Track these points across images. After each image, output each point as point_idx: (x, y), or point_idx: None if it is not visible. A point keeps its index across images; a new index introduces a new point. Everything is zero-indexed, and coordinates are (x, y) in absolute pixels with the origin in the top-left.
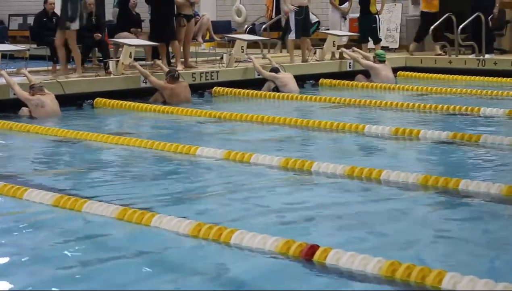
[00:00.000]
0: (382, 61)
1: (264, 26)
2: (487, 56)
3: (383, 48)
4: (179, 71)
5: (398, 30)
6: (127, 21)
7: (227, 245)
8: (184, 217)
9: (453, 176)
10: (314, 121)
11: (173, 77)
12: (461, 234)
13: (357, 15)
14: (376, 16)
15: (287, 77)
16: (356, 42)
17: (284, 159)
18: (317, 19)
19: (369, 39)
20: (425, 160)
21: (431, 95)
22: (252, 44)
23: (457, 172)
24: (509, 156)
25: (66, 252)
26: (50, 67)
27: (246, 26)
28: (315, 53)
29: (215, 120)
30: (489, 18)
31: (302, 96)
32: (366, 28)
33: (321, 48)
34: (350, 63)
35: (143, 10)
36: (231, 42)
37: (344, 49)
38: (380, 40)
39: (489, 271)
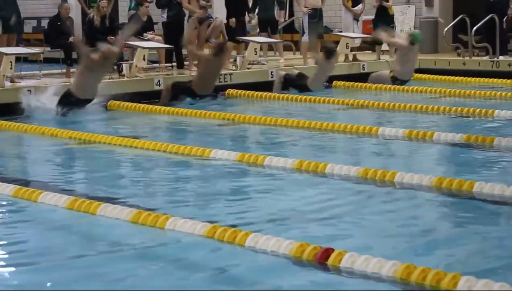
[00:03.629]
0: (414, 43)
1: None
2: (501, 58)
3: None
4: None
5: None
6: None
7: (242, 247)
8: (198, 220)
9: (467, 178)
10: (328, 123)
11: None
12: (476, 237)
13: (370, 17)
14: (393, 16)
15: None
16: (370, 44)
17: (298, 161)
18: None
19: (382, 41)
20: (439, 162)
21: (445, 97)
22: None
23: (471, 174)
24: None
25: (80, 255)
26: (64, 70)
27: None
28: None
29: (228, 123)
30: (504, 19)
31: (316, 98)
32: (383, 28)
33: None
34: (363, 65)
35: (156, 13)
36: (245, 45)
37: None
38: None
39: (504, 274)
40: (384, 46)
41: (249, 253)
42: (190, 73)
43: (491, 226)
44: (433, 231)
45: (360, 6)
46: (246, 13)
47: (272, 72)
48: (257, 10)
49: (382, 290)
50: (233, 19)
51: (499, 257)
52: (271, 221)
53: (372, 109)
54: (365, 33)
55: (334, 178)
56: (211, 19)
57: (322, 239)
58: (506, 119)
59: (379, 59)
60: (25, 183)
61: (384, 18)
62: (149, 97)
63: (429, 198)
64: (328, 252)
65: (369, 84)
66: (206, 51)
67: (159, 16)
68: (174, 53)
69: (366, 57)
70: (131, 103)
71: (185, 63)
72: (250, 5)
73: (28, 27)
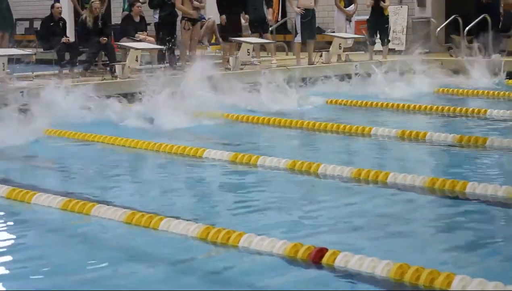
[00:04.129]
0: None
1: (270, 28)
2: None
3: (389, 50)
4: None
5: (404, 32)
6: (130, 26)
7: (236, 248)
8: (192, 220)
9: (460, 178)
10: (321, 123)
11: None
12: (469, 237)
13: (363, 17)
14: (388, 17)
15: None
16: (363, 44)
17: (291, 161)
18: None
19: (375, 42)
20: (431, 162)
21: (438, 97)
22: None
23: (464, 174)
24: None
25: (73, 256)
26: (56, 71)
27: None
28: (321, 56)
29: (222, 122)
30: (501, 18)
31: (309, 99)
32: (378, 28)
33: (327, 51)
34: (356, 65)
35: (148, 14)
36: (237, 45)
37: None
38: (389, 41)
39: (498, 273)
40: (377, 47)
41: (243, 254)
42: (183, 74)
43: (484, 226)
44: (426, 231)
45: (352, 6)
46: (243, 12)
47: (264, 72)
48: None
49: (375, 289)
50: (223, 17)
51: (493, 256)
52: (264, 221)
53: (365, 109)
54: (358, 33)
55: (327, 178)
56: (204, 20)
57: (316, 239)
58: (498, 119)
59: (372, 59)
60: (18, 185)
61: (379, 18)
62: None
63: (422, 198)
64: (322, 251)
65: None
66: (199, 52)
67: (151, 16)
68: (167, 54)
69: (359, 57)
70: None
71: (178, 64)
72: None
73: (20, 28)
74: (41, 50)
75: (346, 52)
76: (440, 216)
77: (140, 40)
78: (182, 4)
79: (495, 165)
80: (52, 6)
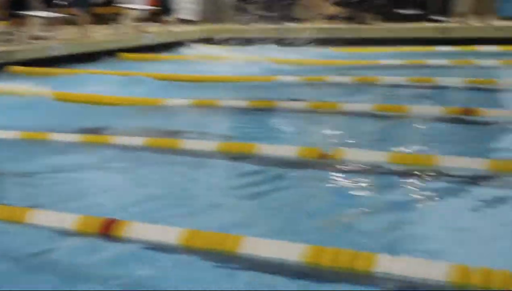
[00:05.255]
0: None
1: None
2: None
3: (182, 21)
4: None
5: (196, 2)
6: None
7: (25, 224)
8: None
9: (249, 141)
10: (115, 96)
11: None
12: (261, 199)
13: None
14: None
15: None
16: (156, 16)
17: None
18: None
19: (170, 12)
20: (225, 128)
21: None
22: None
23: (254, 138)
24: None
25: None
26: None
27: None
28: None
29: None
30: None
31: (106, 72)
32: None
33: (120, 23)
34: (150, 36)
35: None
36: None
37: None
38: (178, 11)
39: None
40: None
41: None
42: None
43: (274, 187)
44: (219, 197)
45: None
46: None
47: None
48: None
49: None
50: None
51: (292, 217)
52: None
53: (162, 80)
54: (150, 5)
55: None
56: None
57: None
58: (287, 84)
59: (167, 30)
60: None
61: None
62: None
63: (216, 162)
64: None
65: (158, 55)
66: None
67: None
68: None
69: (153, 29)
70: None
71: None
72: None
73: None
74: None
75: (139, 23)
76: (230, 179)
77: None
78: None
79: (286, 127)
80: None
